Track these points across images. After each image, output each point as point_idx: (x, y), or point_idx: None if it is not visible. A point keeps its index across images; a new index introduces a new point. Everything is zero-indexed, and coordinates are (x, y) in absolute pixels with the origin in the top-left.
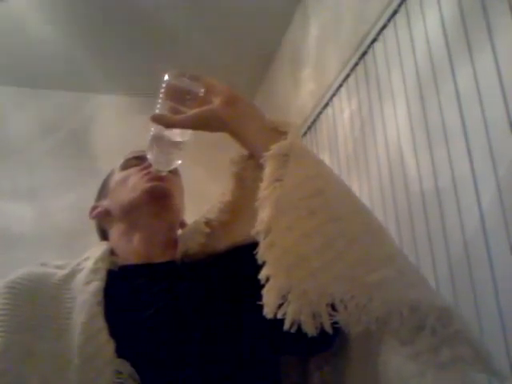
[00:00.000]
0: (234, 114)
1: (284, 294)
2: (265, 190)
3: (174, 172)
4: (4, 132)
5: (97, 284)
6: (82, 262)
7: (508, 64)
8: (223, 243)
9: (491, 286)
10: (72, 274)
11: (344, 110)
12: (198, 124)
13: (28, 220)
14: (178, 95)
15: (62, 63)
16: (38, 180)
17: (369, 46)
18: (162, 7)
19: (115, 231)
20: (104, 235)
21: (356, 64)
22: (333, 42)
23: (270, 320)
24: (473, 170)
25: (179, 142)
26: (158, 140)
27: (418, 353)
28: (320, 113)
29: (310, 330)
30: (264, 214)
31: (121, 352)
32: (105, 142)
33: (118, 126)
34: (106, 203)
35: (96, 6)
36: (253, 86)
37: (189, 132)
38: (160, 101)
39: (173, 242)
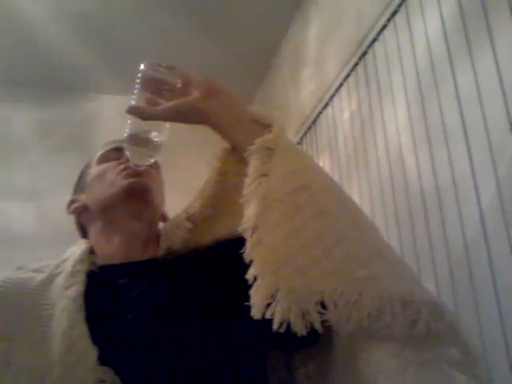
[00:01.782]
0: (214, 105)
1: (272, 293)
2: (250, 185)
3: (154, 164)
4: (4, 132)
5: (76, 288)
6: (61, 264)
7: (508, 64)
8: (206, 238)
9: (491, 286)
10: (50, 279)
11: (344, 109)
12: (177, 116)
13: (28, 220)
14: (154, 86)
15: (62, 63)
16: (39, 180)
17: (369, 46)
18: (162, 7)
19: (94, 229)
20: (83, 232)
21: (356, 64)
22: (333, 42)
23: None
24: (473, 169)
25: (157, 136)
26: (134, 134)
27: (401, 350)
28: (320, 113)
29: (300, 329)
30: (250, 211)
31: (104, 358)
32: (105, 142)
33: (117, 126)
34: (83, 198)
35: (96, 6)
36: (253, 86)
37: (167, 125)
38: (136, 92)
39: (154, 238)
